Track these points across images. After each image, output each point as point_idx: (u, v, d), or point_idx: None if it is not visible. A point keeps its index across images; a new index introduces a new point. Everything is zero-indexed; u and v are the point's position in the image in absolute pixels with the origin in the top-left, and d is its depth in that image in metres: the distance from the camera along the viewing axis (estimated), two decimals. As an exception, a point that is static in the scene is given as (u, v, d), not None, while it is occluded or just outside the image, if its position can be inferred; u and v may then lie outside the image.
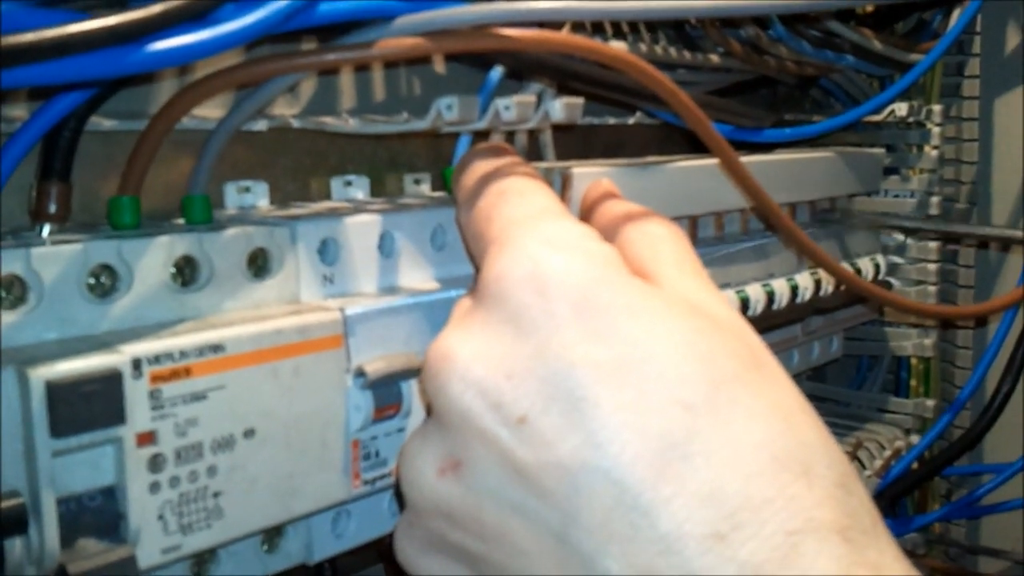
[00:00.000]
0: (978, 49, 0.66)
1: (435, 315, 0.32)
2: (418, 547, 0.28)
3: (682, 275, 0.28)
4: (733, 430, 0.24)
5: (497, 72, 0.36)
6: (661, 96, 0.33)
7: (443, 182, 0.42)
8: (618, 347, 0.25)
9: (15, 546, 0.23)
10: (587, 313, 0.25)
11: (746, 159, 0.45)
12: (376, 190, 0.41)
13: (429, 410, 0.28)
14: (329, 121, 0.36)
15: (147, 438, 0.25)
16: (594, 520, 0.23)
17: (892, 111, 0.59)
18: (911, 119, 0.60)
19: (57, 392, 0.23)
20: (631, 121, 0.50)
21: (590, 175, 0.35)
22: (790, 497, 0.23)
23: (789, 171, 0.48)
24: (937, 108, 0.61)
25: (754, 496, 0.22)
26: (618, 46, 0.41)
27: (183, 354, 0.26)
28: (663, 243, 0.30)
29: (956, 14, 0.60)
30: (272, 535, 0.31)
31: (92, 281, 0.27)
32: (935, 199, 0.62)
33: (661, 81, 0.33)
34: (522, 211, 0.29)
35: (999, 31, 0.67)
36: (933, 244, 0.61)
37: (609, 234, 0.31)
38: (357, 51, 0.29)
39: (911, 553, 0.63)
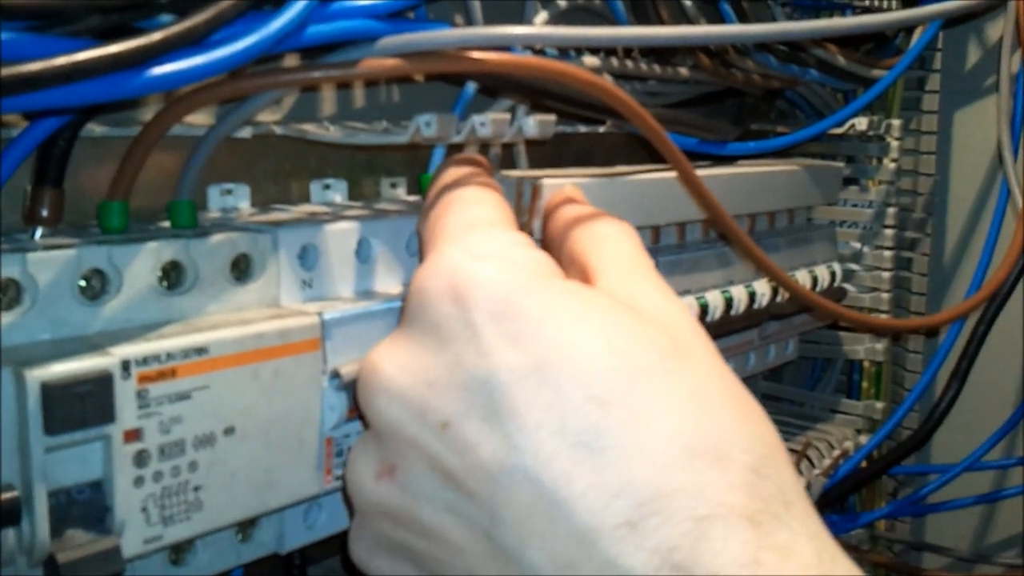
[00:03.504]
0: (938, 65, 0.68)
1: (408, 320, 0.34)
2: (368, 547, 0.29)
3: (619, 270, 0.30)
4: (647, 422, 0.25)
5: (471, 87, 0.38)
6: (627, 117, 0.35)
7: (419, 187, 0.43)
8: (534, 350, 0.26)
9: (8, 536, 0.25)
10: (504, 319, 0.26)
11: (708, 172, 0.47)
12: (353, 193, 0.43)
13: (364, 420, 0.29)
14: (310, 129, 0.37)
15: (133, 435, 0.27)
16: (516, 516, 0.25)
17: (852, 125, 0.61)
18: (871, 132, 0.62)
19: (51, 392, 0.24)
20: (601, 130, 0.51)
21: (560, 185, 0.37)
22: (702, 484, 0.24)
23: (750, 184, 0.50)
24: (897, 123, 0.63)
25: (665, 485, 0.24)
26: (589, 61, 0.43)
27: (169, 356, 0.27)
28: (607, 241, 0.31)
29: (918, 32, 0.62)
30: (246, 526, 0.32)
31: (84, 284, 0.28)
32: (892, 210, 0.64)
33: (627, 103, 0.34)
34: (458, 220, 0.30)
35: (960, 48, 0.69)
36: (888, 253, 0.64)
37: (561, 236, 0.33)
38: (341, 69, 0.31)
39: (856, 548, 0.66)
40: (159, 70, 0.24)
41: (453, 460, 0.26)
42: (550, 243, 0.34)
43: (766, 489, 0.24)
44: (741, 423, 0.26)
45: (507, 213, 0.31)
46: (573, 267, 0.31)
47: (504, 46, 0.32)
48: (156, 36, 0.24)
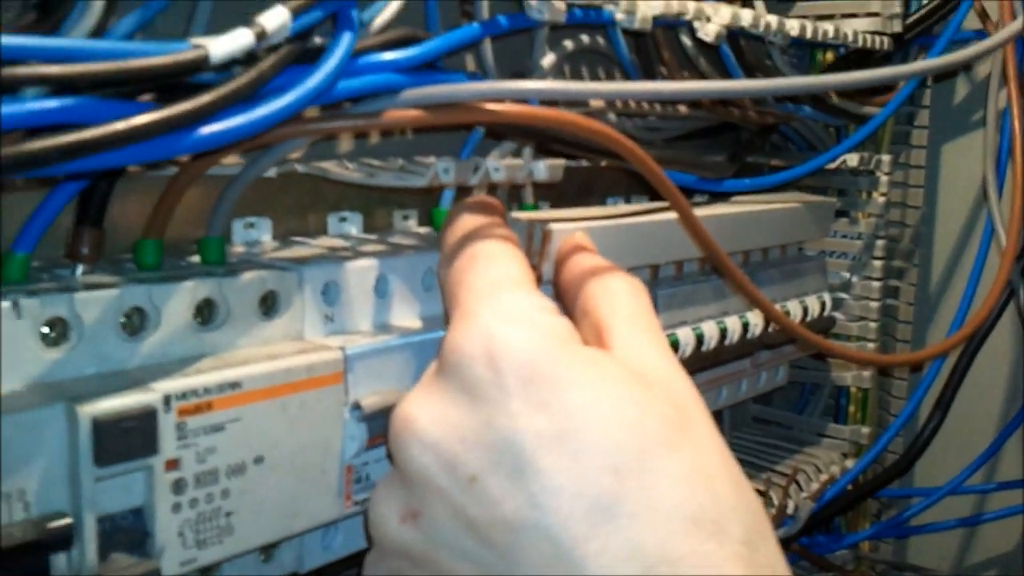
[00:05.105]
0: (927, 101, 0.71)
1: (423, 353, 0.35)
2: None
3: (632, 332, 0.32)
4: (656, 493, 0.27)
5: (479, 131, 0.40)
6: (633, 163, 0.37)
7: (430, 220, 0.45)
8: (558, 417, 0.28)
9: (58, 560, 0.27)
10: (532, 386, 0.29)
11: (707, 211, 0.50)
12: (367, 224, 0.45)
13: (392, 461, 0.31)
14: (331, 168, 0.39)
15: (172, 464, 0.28)
16: (534, 569, 0.27)
17: (844, 161, 0.63)
18: (861, 168, 0.64)
19: (102, 427, 0.26)
20: (603, 164, 0.53)
21: (568, 230, 0.39)
22: (702, 554, 0.26)
23: (747, 222, 0.52)
24: (886, 158, 0.65)
25: (670, 553, 0.26)
26: (594, 103, 0.45)
27: (206, 390, 0.29)
28: (620, 298, 0.34)
29: (908, 71, 0.65)
30: (269, 548, 0.34)
31: (124, 321, 0.30)
32: (880, 242, 0.66)
33: (633, 151, 0.36)
34: (486, 279, 0.32)
35: (949, 84, 0.71)
36: (876, 283, 0.66)
37: (574, 287, 0.35)
38: (366, 119, 0.33)
39: (840, 568, 0.68)
40: (207, 129, 0.26)
41: (477, 512, 0.28)
42: (563, 293, 0.36)
43: (757, 560, 0.27)
44: (736, 497, 0.28)
45: (527, 270, 0.33)
46: (586, 321, 0.33)
47: (520, 99, 0.34)
48: (205, 98, 0.26)
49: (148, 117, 0.24)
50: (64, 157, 0.22)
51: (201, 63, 0.25)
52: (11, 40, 0.22)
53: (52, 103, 0.23)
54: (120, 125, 0.24)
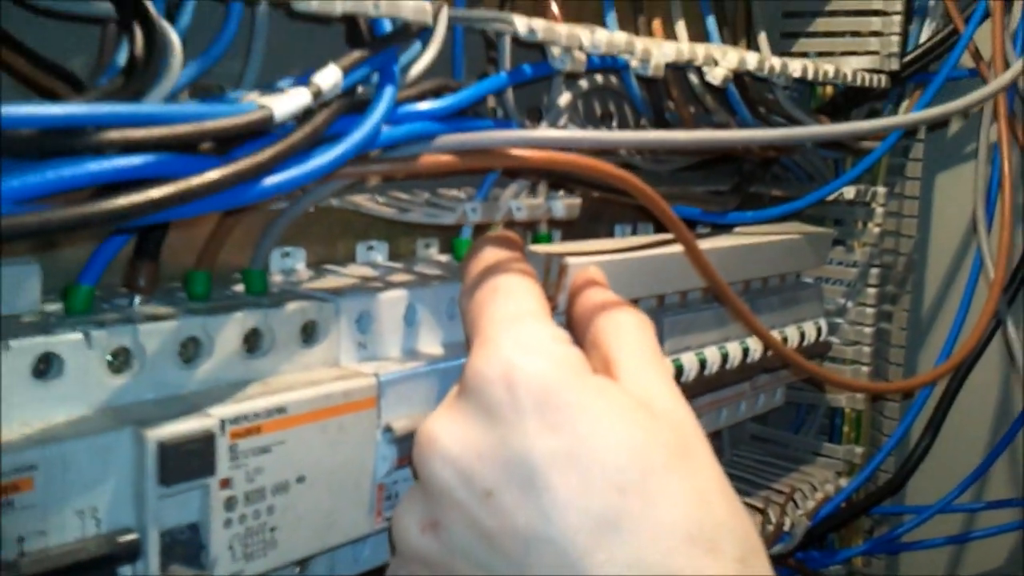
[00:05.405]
0: (923, 135, 0.73)
1: (447, 378, 0.38)
2: None
3: (639, 365, 0.35)
4: (657, 512, 0.30)
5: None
6: (644, 203, 0.39)
7: (450, 247, 0.48)
8: (568, 439, 0.31)
9: (125, 571, 0.29)
10: (546, 409, 0.31)
11: (712, 244, 0.52)
12: (392, 251, 0.47)
13: (416, 475, 0.34)
14: (363, 203, 0.42)
15: (225, 483, 0.31)
16: None
17: (842, 193, 0.66)
18: (858, 199, 0.67)
19: (167, 450, 0.29)
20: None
21: (583, 264, 0.42)
22: (699, 568, 0.29)
23: (749, 253, 0.54)
24: (882, 190, 0.68)
25: (669, 567, 0.29)
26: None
27: (256, 415, 0.32)
28: (627, 332, 0.36)
29: (905, 106, 0.67)
30: (304, 560, 0.36)
31: (181, 349, 0.32)
32: (875, 270, 0.69)
33: (645, 191, 0.39)
34: (506, 311, 0.35)
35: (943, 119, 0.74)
36: (870, 310, 0.69)
37: (586, 320, 0.38)
38: (403, 163, 0.35)
39: (834, 583, 0.71)
40: (269, 181, 0.29)
41: (492, 524, 0.31)
42: (575, 324, 0.38)
43: None
44: (732, 519, 0.31)
45: (544, 303, 0.36)
46: (595, 352, 0.36)
47: (546, 147, 0.37)
48: (267, 154, 0.28)
49: (219, 173, 0.27)
50: (151, 210, 0.25)
51: (267, 122, 0.28)
52: (101, 108, 0.25)
53: (137, 159, 0.25)
54: (195, 181, 0.26)
